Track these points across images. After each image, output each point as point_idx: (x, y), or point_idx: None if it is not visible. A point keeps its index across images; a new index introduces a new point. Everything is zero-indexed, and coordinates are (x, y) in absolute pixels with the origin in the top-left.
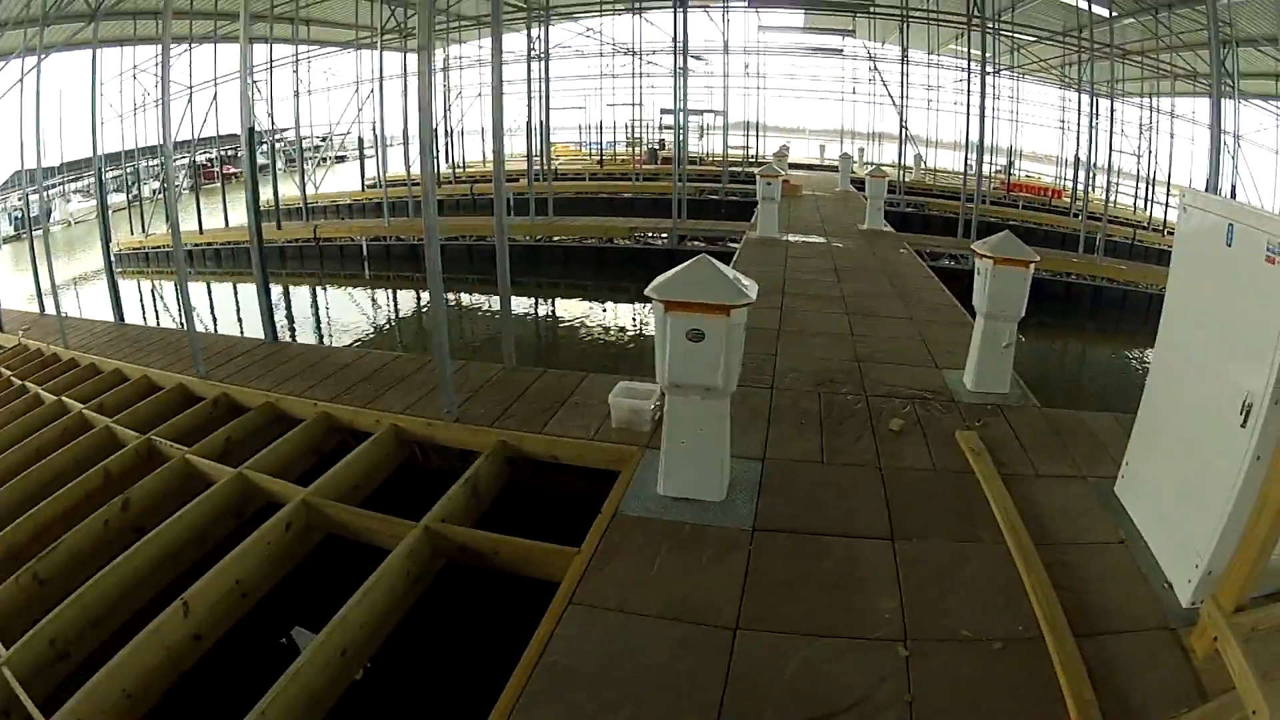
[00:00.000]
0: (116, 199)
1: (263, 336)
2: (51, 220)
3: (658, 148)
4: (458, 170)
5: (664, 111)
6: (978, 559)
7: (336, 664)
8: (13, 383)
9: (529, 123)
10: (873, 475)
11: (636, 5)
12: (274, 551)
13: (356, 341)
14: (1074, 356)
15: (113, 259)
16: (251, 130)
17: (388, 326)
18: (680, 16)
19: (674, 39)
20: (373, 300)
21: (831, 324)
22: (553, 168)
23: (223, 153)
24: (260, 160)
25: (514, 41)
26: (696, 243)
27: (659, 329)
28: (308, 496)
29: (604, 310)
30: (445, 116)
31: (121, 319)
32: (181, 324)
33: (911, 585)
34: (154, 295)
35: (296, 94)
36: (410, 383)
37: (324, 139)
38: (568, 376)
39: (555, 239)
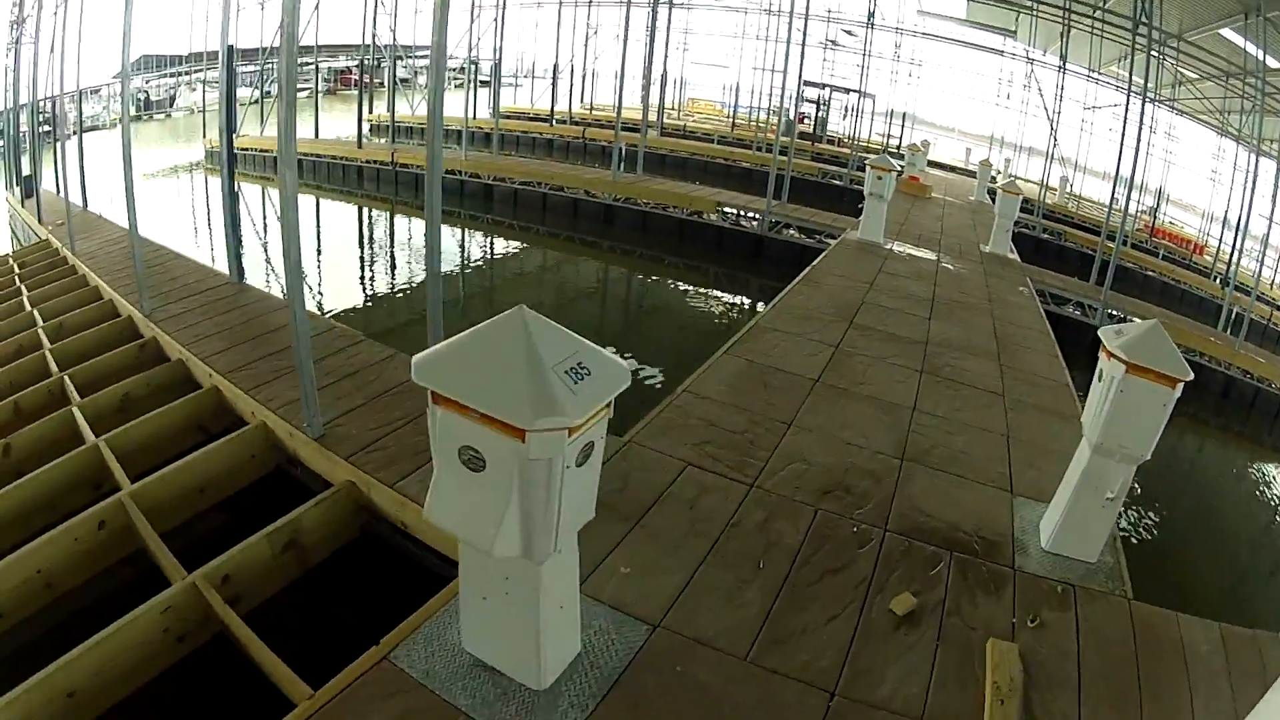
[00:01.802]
0: (242, 93)
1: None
2: (175, 107)
3: (796, 120)
4: (592, 111)
5: (806, 84)
6: None
7: (60, 704)
8: (13, 284)
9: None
10: (815, 710)
11: None
12: (81, 550)
13: (368, 291)
14: (1186, 460)
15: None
16: (230, 49)
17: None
18: None
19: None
20: (411, 241)
21: (892, 383)
22: (683, 124)
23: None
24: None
25: None
26: (790, 231)
27: (430, 427)
28: (134, 494)
29: (667, 290)
30: (584, 55)
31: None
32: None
33: None
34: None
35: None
36: (326, 366)
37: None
38: None
39: (642, 201)
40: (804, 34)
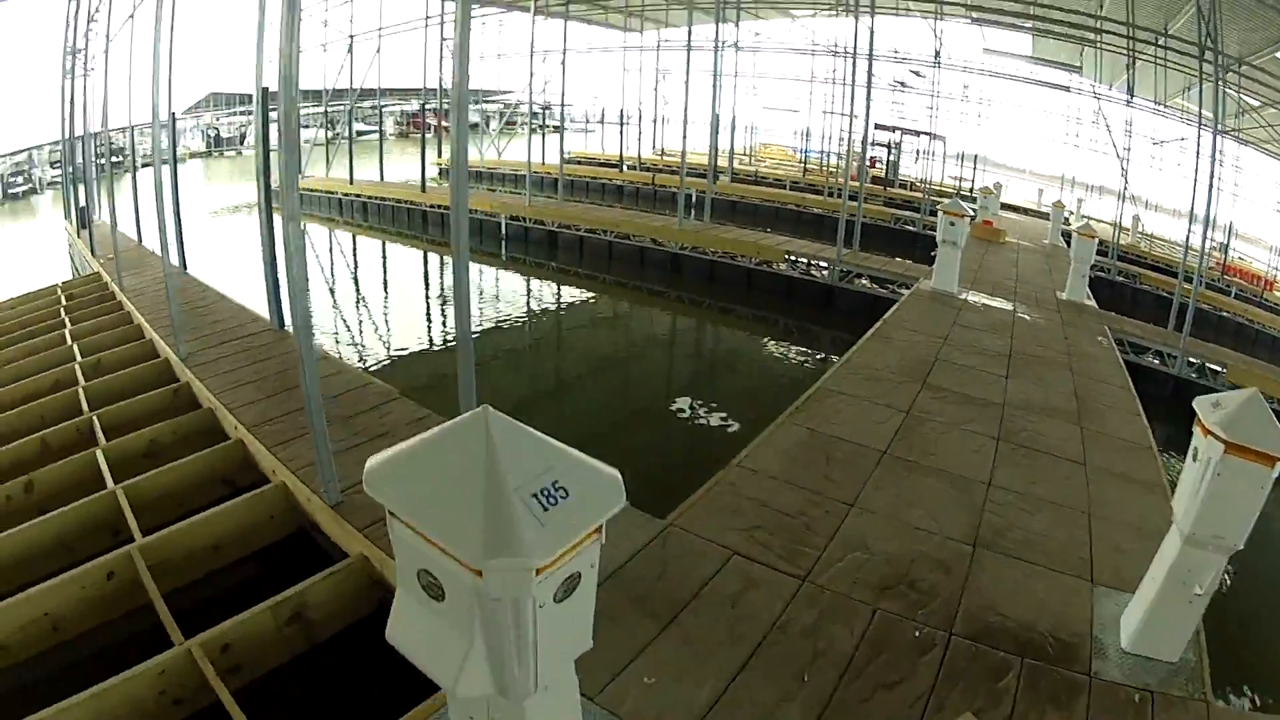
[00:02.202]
0: (307, 134)
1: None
2: (245, 144)
3: (868, 165)
4: (662, 157)
5: (877, 126)
6: None
7: None
8: (58, 315)
9: (713, 117)
10: None
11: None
12: (89, 598)
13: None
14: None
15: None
16: (265, 91)
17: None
18: (864, 21)
19: (858, 43)
20: (478, 285)
21: (965, 454)
22: (754, 169)
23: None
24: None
25: (725, 31)
26: (862, 280)
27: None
28: (144, 547)
29: (733, 343)
30: (654, 99)
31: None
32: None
33: None
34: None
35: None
36: (356, 425)
37: (511, 106)
38: None
39: (709, 250)
40: (869, 75)
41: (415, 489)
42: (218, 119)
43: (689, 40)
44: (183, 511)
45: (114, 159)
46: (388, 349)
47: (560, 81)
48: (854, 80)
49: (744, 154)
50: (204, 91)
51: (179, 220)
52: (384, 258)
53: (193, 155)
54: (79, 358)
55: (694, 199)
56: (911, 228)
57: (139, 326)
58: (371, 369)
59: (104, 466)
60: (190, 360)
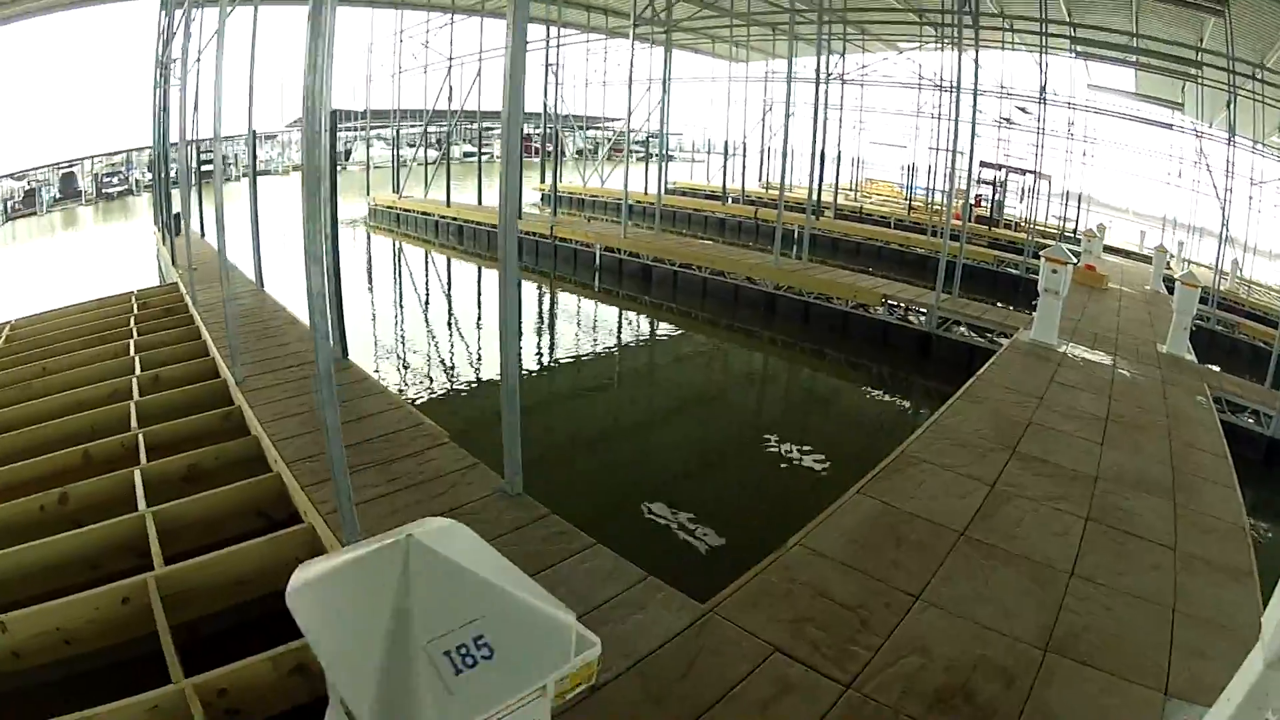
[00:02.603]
0: (406, 153)
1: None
2: (351, 161)
3: (973, 204)
4: (768, 190)
5: (982, 165)
6: None
7: None
8: (128, 324)
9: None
10: None
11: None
12: (101, 619)
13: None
14: None
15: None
16: (334, 114)
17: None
18: (968, 54)
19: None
20: (571, 315)
21: (1049, 537)
22: (858, 205)
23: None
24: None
25: (831, 63)
26: (960, 328)
27: None
28: (162, 577)
29: (823, 390)
30: (761, 130)
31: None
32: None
33: None
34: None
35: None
36: (395, 470)
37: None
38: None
39: (805, 291)
40: (974, 110)
41: (327, 617)
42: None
43: (789, 71)
44: (215, 540)
45: (204, 168)
46: (452, 380)
47: (663, 110)
48: (957, 115)
49: (849, 189)
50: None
51: (257, 236)
52: (467, 284)
53: (295, 168)
54: (138, 370)
55: (795, 235)
56: (1014, 271)
57: (204, 344)
58: (438, 399)
59: (139, 486)
60: (246, 385)
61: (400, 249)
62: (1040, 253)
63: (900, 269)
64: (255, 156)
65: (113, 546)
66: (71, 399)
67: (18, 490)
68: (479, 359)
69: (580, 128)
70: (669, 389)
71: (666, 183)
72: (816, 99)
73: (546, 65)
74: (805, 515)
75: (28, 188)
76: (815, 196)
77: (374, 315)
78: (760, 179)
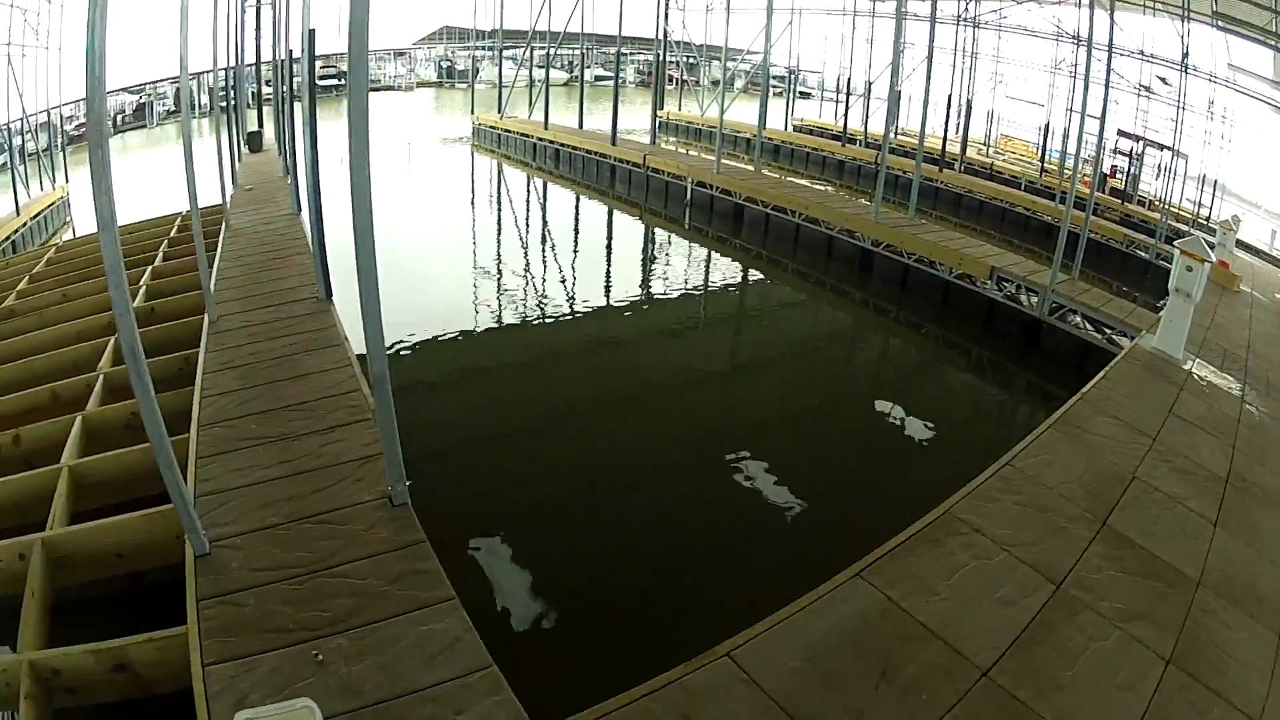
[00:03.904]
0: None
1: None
2: (479, 79)
3: (1107, 174)
4: (896, 136)
5: (1120, 134)
6: None
7: None
8: (155, 249)
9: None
10: None
11: None
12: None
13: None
14: None
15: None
16: (312, 33)
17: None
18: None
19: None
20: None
21: (1111, 692)
22: (990, 162)
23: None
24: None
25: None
26: (1075, 318)
27: None
28: (47, 540)
29: (909, 373)
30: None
31: None
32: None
33: None
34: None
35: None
36: (290, 448)
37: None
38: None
39: (906, 252)
40: (1108, 71)
41: None
42: (451, 51)
43: (933, 12)
44: (125, 501)
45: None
46: (460, 322)
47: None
48: (1088, 73)
49: (982, 143)
50: (438, 24)
51: (314, 159)
52: (541, 211)
53: (421, 84)
54: (138, 302)
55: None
56: (1144, 254)
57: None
58: (431, 343)
59: (73, 435)
60: (217, 325)
61: (498, 170)
62: (1174, 242)
63: (1024, 234)
64: (313, 70)
65: (29, 499)
66: (70, 329)
67: None
68: (504, 297)
69: (714, 58)
70: (723, 351)
71: (793, 119)
72: (956, 43)
73: None
74: (808, 580)
75: (140, 101)
76: (942, 147)
77: (417, 241)
78: (893, 124)
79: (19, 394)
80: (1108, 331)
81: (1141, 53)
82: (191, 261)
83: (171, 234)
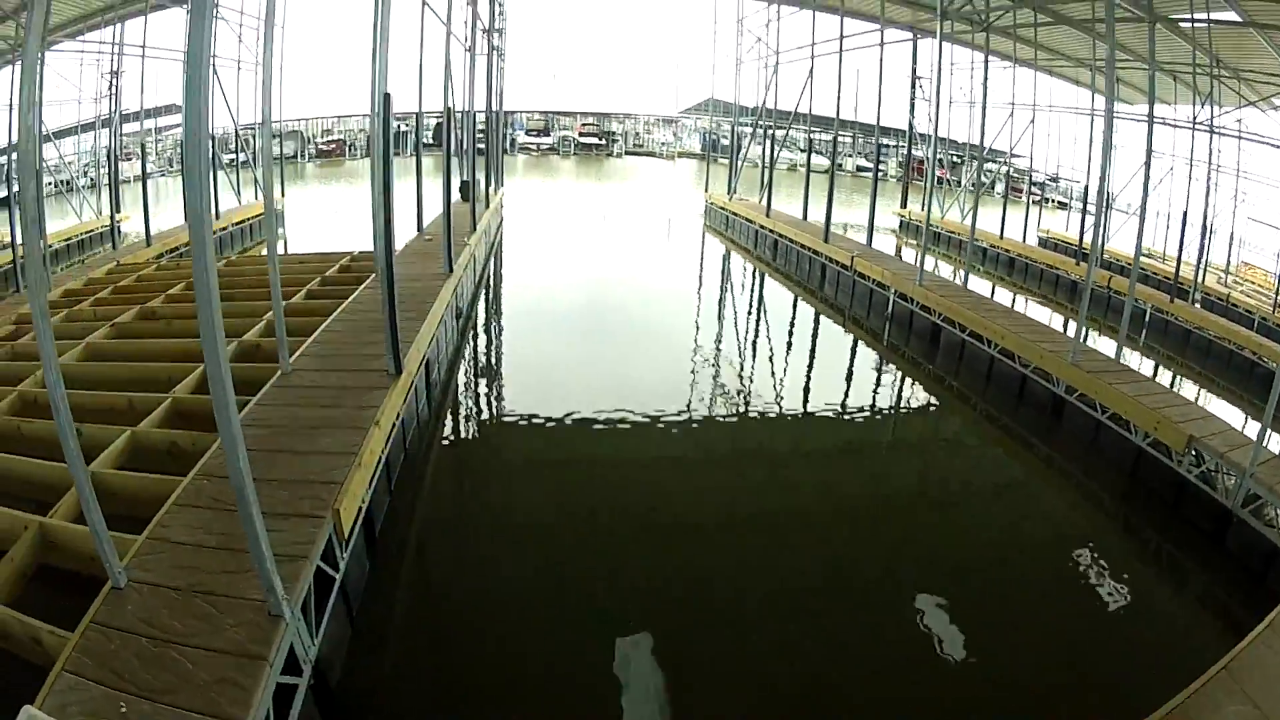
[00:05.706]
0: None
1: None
2: (741, 154)
3: None
4: (1145, 255)
5: None
6: None
7: None
8: (305, 282)
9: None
10: None
11: None
12: None
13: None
14: None
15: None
16: (387, 97)
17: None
18: None
19: None
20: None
21: None
22: (1226, 293)
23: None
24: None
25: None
26: (1272, 513)
27: None
28: (44, 523)
29: (1063, 549)
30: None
31: None
32: None
33: None
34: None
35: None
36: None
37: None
38: None
39: (1099, 405)
40: None
41: None
42: (717, 124)
43: (1150, 109)
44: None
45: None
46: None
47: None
48: None
49: (1221, 270)
50: (704, 96)
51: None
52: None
53: (682, 154)
54: (246, 335)
55: (1147, 318)
56: None
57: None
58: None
59: (119, 445)
60: (281, 380)
61: (725, 256)
62: None
63: (1248, 384)
64: (447, 129)
65: (51, 488)
66: (178, 346)
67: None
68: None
69: (973, 157)
70: (841, 499)
71: (1039, 230)
72: (1192, 152)
73: (914, 76)
74: None
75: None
76: (1175, 272)
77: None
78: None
79: (101, 393)
80: None
81: None
82: (322, 305)
83: (328, 272)
